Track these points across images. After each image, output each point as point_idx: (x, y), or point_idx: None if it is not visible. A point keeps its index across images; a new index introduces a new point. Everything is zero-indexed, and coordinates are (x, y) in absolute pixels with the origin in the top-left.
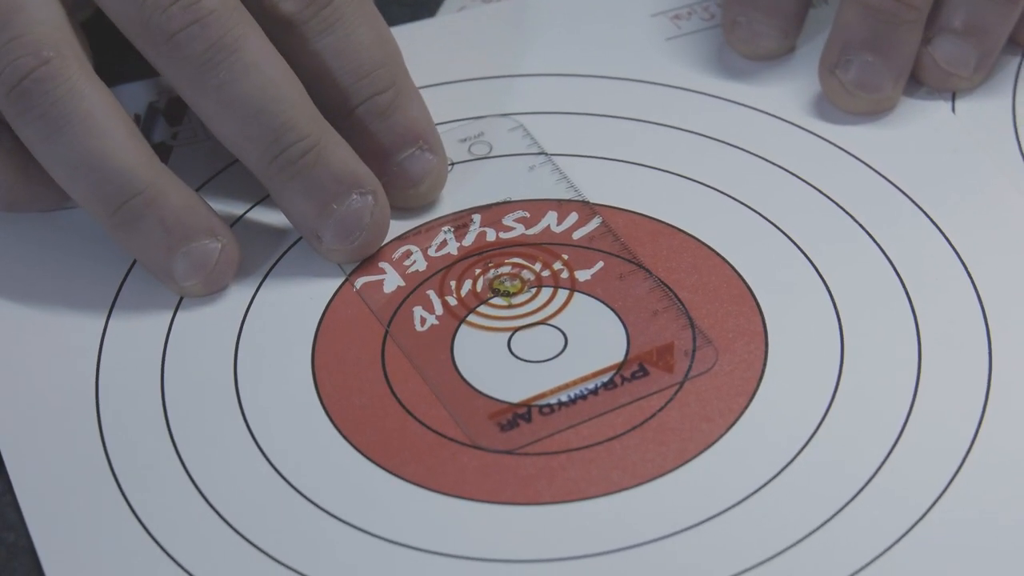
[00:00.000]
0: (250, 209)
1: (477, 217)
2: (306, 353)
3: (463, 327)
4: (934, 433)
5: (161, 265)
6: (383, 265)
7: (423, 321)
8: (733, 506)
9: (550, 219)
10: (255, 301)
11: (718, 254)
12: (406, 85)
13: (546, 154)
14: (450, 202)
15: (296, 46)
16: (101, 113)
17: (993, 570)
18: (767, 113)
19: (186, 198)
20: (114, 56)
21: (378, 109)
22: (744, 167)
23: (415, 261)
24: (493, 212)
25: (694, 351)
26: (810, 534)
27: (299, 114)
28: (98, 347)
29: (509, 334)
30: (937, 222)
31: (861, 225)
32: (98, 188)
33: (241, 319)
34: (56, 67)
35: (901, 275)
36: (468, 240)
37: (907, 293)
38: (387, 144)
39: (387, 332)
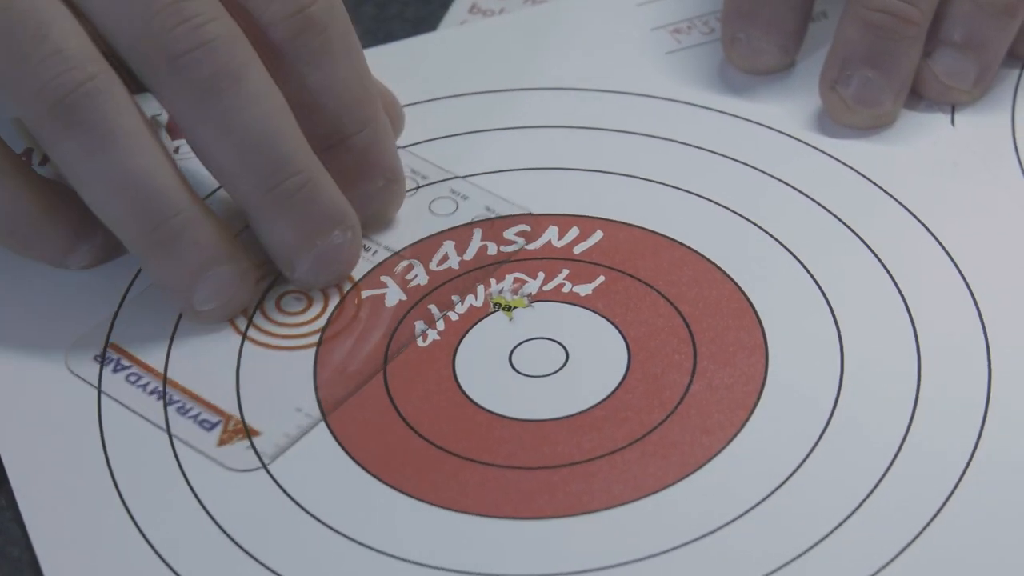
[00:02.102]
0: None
1: (478, 231)
2: (308, 366)
3: (464, 341)
4: (934, 446)
5: (185, 288)
6: (385, 279)
7: (425, 336)
8: (734, 520)
9: (551, 233)
10: (257, 313)
11: (718, 268)
12: (382, 121)
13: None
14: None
15: (283, 77)
16: (144, 131)
17: None
18: (767, 127)
19: (216, 222)
20: None
21: (356, 148)
22: (744, 181)
23: (417, 275)
24: (494, 226)
25: (695, 364)
26: (812, 547)
27: (296, 148)
28: (100, 359)
29: (510, 349)
30: (937, 235)
31: (861, 238)
32: (140, 206)
33: (243, 331)
34: (104, 82)
35: (900, 288)
36: (469, 254)
37: (907, 306)
38: (358, 177)
39: (388, 346)
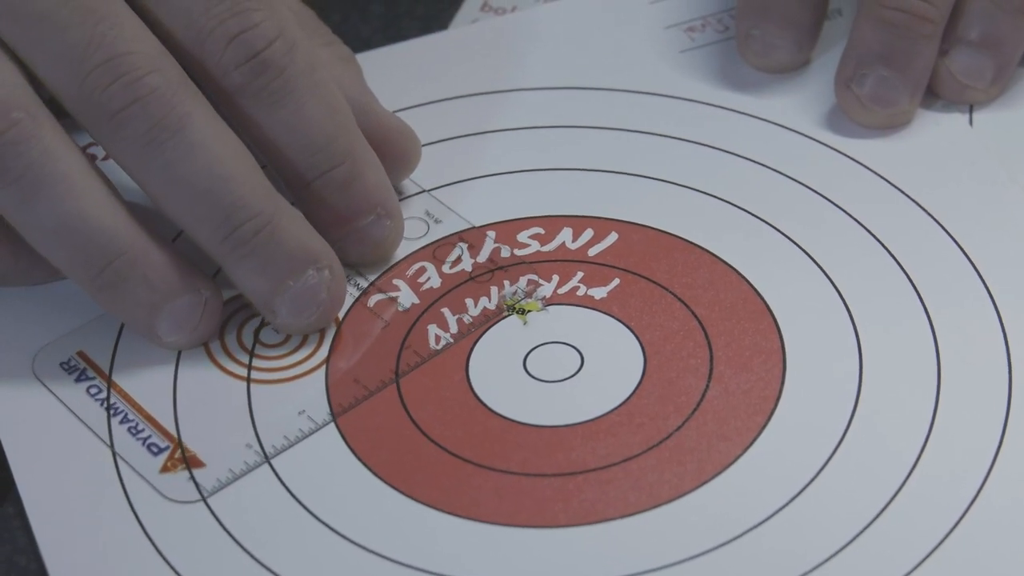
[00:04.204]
0: None
1: (492, 233)
2: (319, 372)
3: (478, 346)
4: (955, 451)
5: (145, 324)
6: (397, 282)
7: (438, 339)
8: (752, 528)
9: (565, 235)
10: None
11: (735, 270)
12: (362, 154)
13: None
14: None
15: (247, 118)
16: (78, 173)
17: None
18: (782, 126)
19: (168, 255)
20: None
21: (335, 183)
22: (759, 180)
23: (429, 278)
24: (508, 228)
25: (711, 369)
26: (831, 556)
27: (250, 191)
28: (109, 363)
29: (524, 353)
30: (955, 235)
31: (878, 239)
32: (80, 251)
33: (253, 338)
34: (27, 128)
35: (919, 289)
36: (482, 256)
37: (925, 308)
38: (346, 213)
39: (400, 351)
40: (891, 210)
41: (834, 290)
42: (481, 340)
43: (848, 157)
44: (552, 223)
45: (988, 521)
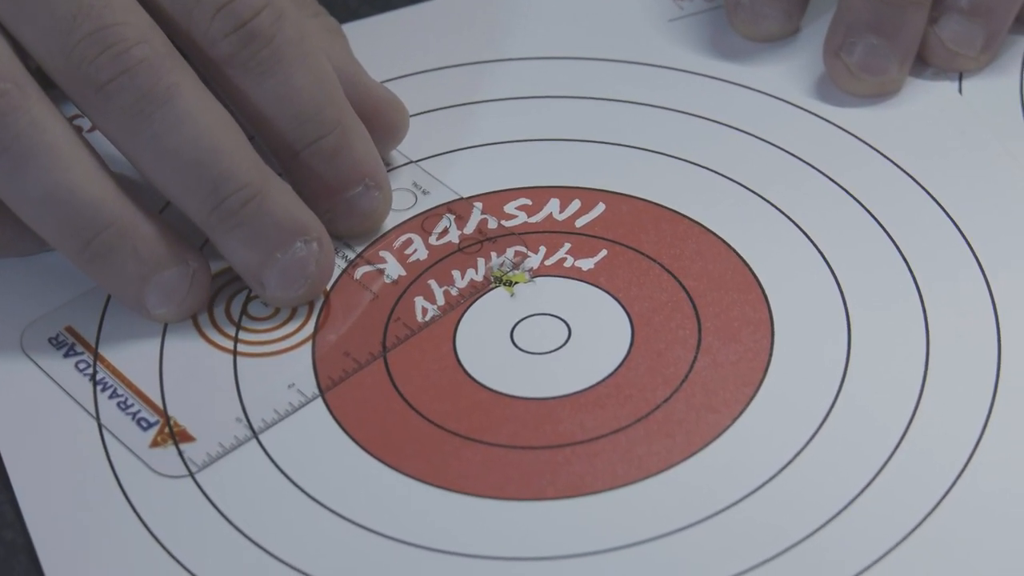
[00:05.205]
0: None
1: (479, 204)
2: (308, 345)
3: (465, 318)
4: (943, 422)
5: (134, 296)
6: (384, 254)
7: (424, 312)
8: (741, 499)
9: (552, 206)
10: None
11: (723, 241)
12: (350, 124)
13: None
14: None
15: (235, 89)
16: (65, 144)
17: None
18: (771, 95)
19: (156, 226)
20: None
21: (324, 153)
22: (748, 151)
23: (416, 250)
24: (495, 199)
25: (699, 340)
26: (821, 527)
27: (238, 162)
28: (95, 341)
29: (512, 325)
30: (944, 205)
31: (867, 209)
32: (68, 222)
33: (240, 311)
34: (15, 99)
35: (908, 259)
36: (469, 228)
37: (914, 279)
38: (334, 184)
39: (388, 323)
40: (880, 179)
41: (823, 261)
42: (468, 312)
43: (837, 126)
44: (539, 194)
45: (971, 499)
